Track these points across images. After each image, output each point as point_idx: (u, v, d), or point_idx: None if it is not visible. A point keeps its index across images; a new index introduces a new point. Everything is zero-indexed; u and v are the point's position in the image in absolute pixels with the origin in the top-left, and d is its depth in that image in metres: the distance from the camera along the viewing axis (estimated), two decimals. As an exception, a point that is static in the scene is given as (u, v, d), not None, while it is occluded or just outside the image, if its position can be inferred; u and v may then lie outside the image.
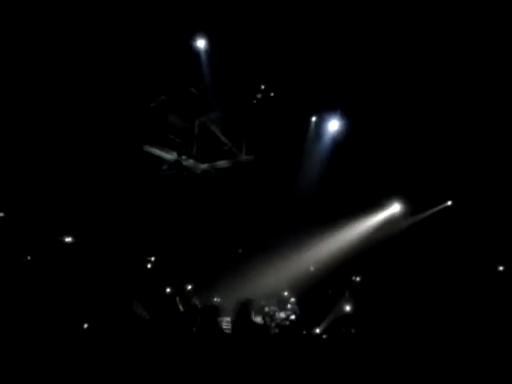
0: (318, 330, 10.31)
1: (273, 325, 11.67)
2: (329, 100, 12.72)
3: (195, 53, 12.25)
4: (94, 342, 6.81)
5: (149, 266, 13.93)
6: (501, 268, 13.06)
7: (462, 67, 10.71)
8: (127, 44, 11.43)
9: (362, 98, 11.98)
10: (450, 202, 14.09)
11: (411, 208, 14.08)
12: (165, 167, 13.18)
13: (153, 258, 14.01)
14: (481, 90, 10.96)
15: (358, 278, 13.89)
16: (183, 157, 12.95)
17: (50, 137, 11.77)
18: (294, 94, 12.72)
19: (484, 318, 9.50)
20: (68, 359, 5.89)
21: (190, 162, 13.15)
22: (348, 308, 11.53)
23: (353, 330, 9.54)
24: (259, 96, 13.04)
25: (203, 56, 12.34)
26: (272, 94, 13.02)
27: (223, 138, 13.59)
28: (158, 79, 12.26)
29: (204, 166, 13.48)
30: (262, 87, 12.98)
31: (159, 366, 5.73)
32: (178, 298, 11.92)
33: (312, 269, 14.61)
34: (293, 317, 12.11)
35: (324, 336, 9.30)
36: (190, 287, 13.48)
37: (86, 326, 8.60)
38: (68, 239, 12.68)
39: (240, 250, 16.25)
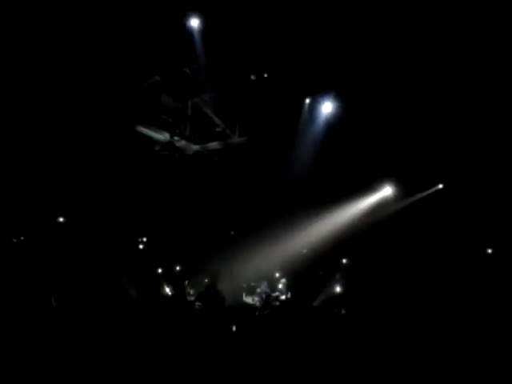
0: (308, 310, 10.42)
1: (263, 305, 11.78)
2: (323, 82, 12.66)
3: (189, 32, 12.11)
4: (85, 321, 6.88)
5: (140, 246, 13.96)
6: (489, 251, 13.23)
7: (452, 51, 10.71)
8: (121, 24, 11.27)
9: (356, 80, 11.93)
10: (441, 186, 14.16)
11: (403, 191, 14.16)
12: (157, 148, 13.11)
13: (144, 239, 14.02)
14: (472, 73, 10.96)
15: (348, 260, 14.02)
16: (176, 138, 12.89)
17: (41, 116, 11.65)
18: (288, 76, 12.64)
19: (472, 298, 9.67)
20: (59, 335, 5.95)
21: (183, 143, 13.09)
22: (338, 289, 11.65)
23: (343, 311, 9.71)
24: (253, 77, 12.94)
25: (197, 36, 12.20)
26: (266, 75, 12.92)
27: (216, 120, 13.52)
28: (151, 59, 12.14)
29: (196, 147, 13.42)
30: (253, 77, 12.86)
31: (150, 346, 5.81)
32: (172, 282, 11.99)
33: (304, 251, 14.72)
34: (283, 297, 12.24)
35: (314, 316, 9.42)
36: (180, 268, 13.53)
37: (77, 304, 8.67)
38: (60, 219, 12.67)
39: (232, 232, 16.32)
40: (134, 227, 13.64)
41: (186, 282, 12.11)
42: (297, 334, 7.01)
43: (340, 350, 6.41)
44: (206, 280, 12.77)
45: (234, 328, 7.67)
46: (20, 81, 11.10)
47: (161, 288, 10.31)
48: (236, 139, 13.27)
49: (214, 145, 13.46)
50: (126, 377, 5.08)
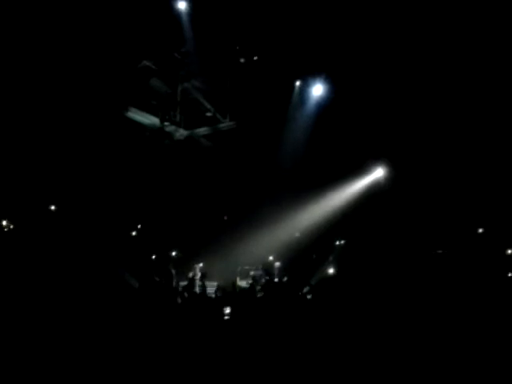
0: (302, 292, 10.51)
1: (258, 288, 11.86)
2: (313, 64, 12.57)
3: (177, 16, 11.93)
4: (81, 308, 6.88)
5: (134, 233, 13.96)
6: (480, 230, 13.36)
7: (442, 33, 10.66)
8: (109, 8, 11.08)
9: (346, 62, 11.84)
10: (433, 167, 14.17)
11: (394, 173, 14.18)
12: (147, 133, 13.01)
13: (139, 226, 14.02)
14: (461, 53, 10.93)
15: (341, 242, 14.12)
16: (166, 123, 12.78)
17: (30, 101, 11.49)
18: (278, 58, 12.52)
19: (463, 277, 9.78)
20: (56, 323, 5.95)
21: (173, 129, 12.98)
22: (331, 271, 11.77)
23: (335, 291, 9.78)
24: (242, 60, 12.80)
25: (185, 19, 12.02)
26: (255, 58, 12.79)
27: (207, 104, 13.40)
28: (139, 43, 11.96)
29: (187, 132, 13.32)
30: (242, 60, 12.72)
31: (147, 331, 5.82)
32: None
33: (297, 234, 14.79)
34: (276, 280, 12.32)
35: (308, 297, 9.50)
36: (174, 253, 13.58)
37: (73, 292, 8.68)
38: (54, 207, 12.62)
39: (225, 217, 16.34)
40: (127, 214, 13.61)
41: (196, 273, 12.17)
42: (290, 317, 7.06)
43: (333, 331, 6.46)
44: (201, 265, 12.88)
45: (227, 311, 7.71)
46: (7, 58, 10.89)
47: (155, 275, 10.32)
48: (225, 124, 13.16)
49: (203, 130, 13.36)
50: (123, 363, 5.09)
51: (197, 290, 11.96)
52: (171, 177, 13.94)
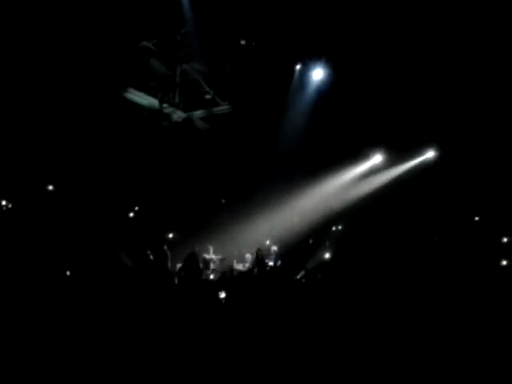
0: (297, 276, 10.61)
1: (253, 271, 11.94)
2: (313, 48, 12.43)
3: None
4: (78, 288, 6.93)
5: (131, 214, 13.99)
6: (476, 218, 13.41)
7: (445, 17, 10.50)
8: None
9: (347, 45, 11.70)
10: (432, 153, 14.15)
11: (393, 159, 14.18)
12: (144, 113, 12.90)
13: (136, 208, 14.04)
14: (462, 34, 10.77)
15: (338, 227, 14.19)
16: (164, 105, 12.68)
17: (30, 84, 11.40)
18: (279, 41, 12.37)
19: (458, 265, 9.86)
20: (52, 305, 6.00)
21: (171, 110, 12.89)
22: (327, 255, 11.86)
23: (330, 275, 9.87)
24: (243, 42, 12.63)
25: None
26: (254, 43, 12.62)
27: (206, 87, 13.28)
28: (138, 23, 11.79)
29: (185, 114, 13.23)
30: (243, 42, 12.54)
31: (144, 313, 5.86)
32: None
33: (294, 218, 14.85)
34: (271, 263, 12.40)
35: (303, 281, 9.59)
36: (171, 236, 13.64)
37: (68, 272, 8.73)
38: (51, 187, 12.62)
39: (223, 201, 16.37)
40: (125, 196, 13.63)
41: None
42: (285, 301, 7.11)
43: (328, 316, 6.52)
44: (197, 249, 12.96)
45: (222, 295, 7.77)
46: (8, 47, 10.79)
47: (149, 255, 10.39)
48: (220, 108, 13.05)
49: (200, 113, 13.25)
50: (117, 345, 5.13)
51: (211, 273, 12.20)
52: (169, 159, 13.91)
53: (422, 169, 13.99)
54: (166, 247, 11.62)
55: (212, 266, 12.64)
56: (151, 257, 9.62)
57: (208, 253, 13.07)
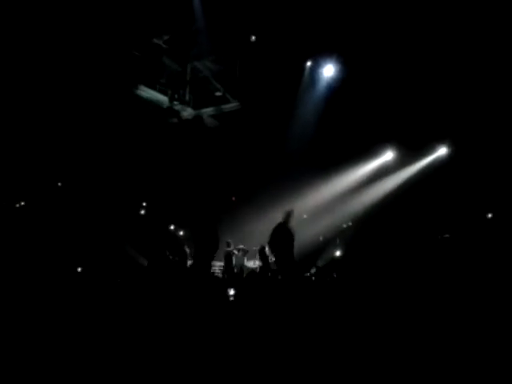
0: (308, 273, 10.59)
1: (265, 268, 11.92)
2: (324, 44, 12.33)
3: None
4: (88, 286, 6.98)
5: (142, 211, 14.06)
6: (489, 215, 13.24)
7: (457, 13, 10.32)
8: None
9: (358, 41, 11.58)
10: (444, 150, 14.01)
11: (404, 156, 14.05)
12: (150, 108, 12.92)
13: (144, 204, 14.09)
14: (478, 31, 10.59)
15: (349, 224, 14.12)
16: (175, 102, 12.70)
17: (40, 81, 11.48)
18: (289, 38, 12.29)
19: (469, 262, 9.75)
20: (63, 303, 6.04)
21: (181, 108, 12.90)
22: (338, 253, 11.80)
23: (341, 274, 9.84)
24: (253, 38, 12.58)
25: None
26: (265, 38, 12.54)
27: (216, 84, 13.26)
28: (149, 21, 11.80)
29: (195, 111, 13.23)
30: (253, 38, 12.47)
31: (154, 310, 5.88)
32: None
33: (304, 216, 14.80)
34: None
35: (313, 278, 9.58)
36: (181, 233, 13.68)
37: (79, 269, 8.81)
38: (61, 184, 12.71)
39: (234, 198, 16.39)
40: (135, 192, 13.69)
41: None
42: (295, 300, 7.10)
43: (338, 314, 6.49)
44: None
45: (232, 292, 7.78)
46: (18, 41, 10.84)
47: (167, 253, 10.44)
48: (229, 105, 13.02)
49: (209, 110, 13.25)
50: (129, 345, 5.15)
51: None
52: (178, 156, 13.94)
53: (433, 166, 13.85)
54: (186, 246, 11.68)
55: (234, 259, 12.76)
56: (171, 256, 9.63)
57: (229, 246, 13.15)
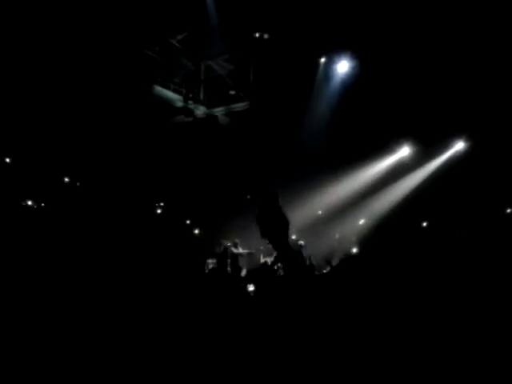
0: (324, 271, 10.53)
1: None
2: (338, 40, 12.24)
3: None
4: (101, 291, 7.00)
5: (158, 211, 14.15)
6: (509, 210, 13.03)
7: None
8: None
9: (372, 36, 11.47)
10: (462, 145, 13.80)
11: (421, 152, 13.90)
12: (170, 111, 13.01)
13: (162, 203, 14.19)
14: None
15: (364, 221, 14.03)
16: (189, 102, 12.77)
17: (55, 80, 11.61)
18: (303, 34, 12.23)
19: (490, 258, 9.58)
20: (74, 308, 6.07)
21: (195, 106, 12.97)
22: (355, 250, 11.73)
23: (358, 271, 9.75)
24: (266, 36, 12.56)
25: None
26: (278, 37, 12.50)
27: (230, 82, 13.29)
28: (163, 20, 11.87)
29: (208, 110, 13.29)
30: (266, 36, 12.44)
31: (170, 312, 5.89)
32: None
33: (319, 212, 14.76)
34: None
35: (330, 276, 9.50)
36: (197, 231, 13.73)
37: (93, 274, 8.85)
38: (77, 184, 12.86)
39: (249, 196, 16.39)
40: (151, 192, 13.78)
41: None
42: (311, 294, 7.06)
43: (353, 311, 6.44)
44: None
45: (251, 288, 7.76)
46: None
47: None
48: (239, 104, 13.02)
49: (222, 109, 13.27)
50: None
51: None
52: (194, 155, 14.01)
53: (451, 162, 13.68)
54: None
55: (240, 260, 12.75)
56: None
57: (236, 247, 13.16)
